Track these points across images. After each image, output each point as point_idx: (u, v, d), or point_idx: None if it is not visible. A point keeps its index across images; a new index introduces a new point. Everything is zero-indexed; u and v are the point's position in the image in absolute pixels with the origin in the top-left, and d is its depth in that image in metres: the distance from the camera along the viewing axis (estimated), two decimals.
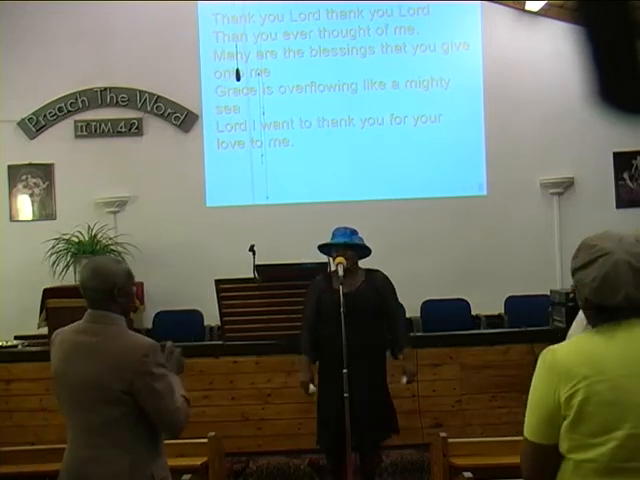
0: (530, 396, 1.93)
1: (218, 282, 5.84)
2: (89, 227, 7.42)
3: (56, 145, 7.88)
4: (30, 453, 4.22)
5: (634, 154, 7.87)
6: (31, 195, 7.90)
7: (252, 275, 5.77)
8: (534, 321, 6.10)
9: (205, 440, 4.12)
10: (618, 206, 7.86)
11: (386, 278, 4.60)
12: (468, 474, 3.69)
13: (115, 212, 7.84)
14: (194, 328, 7.03)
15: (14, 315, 7.30)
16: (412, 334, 6.28)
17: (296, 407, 5.41)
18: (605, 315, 1.89)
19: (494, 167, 7.87)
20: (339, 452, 4.34)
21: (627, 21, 1.47)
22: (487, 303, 7.36)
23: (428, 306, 7.41)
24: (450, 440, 4.04)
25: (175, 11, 7.82)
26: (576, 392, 1.82)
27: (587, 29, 1.47)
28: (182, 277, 7.53)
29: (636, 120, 1.51)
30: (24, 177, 7.88)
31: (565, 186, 7.89)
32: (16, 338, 6.69)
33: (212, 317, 6.79)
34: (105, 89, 7.88)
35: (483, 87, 7.92)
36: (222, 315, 5.90)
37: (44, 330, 6.64)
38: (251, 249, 5.79)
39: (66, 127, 7.91)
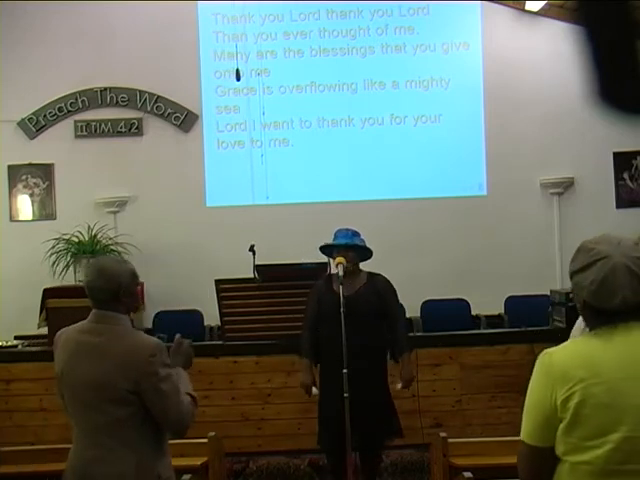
0: (527, 399, 1.93)
1: (218, 282, 5.84)
2: (89, 227, 7.42)
3: (56, 145, 7.88)
4: (30, 453, 4.22)
5: (634, 154, 7.87)
6: (31, 195, 7.90)
7: (252, 275, 5.77)
8: (534, 321, 6.10)
9: (205, 440, 4.12)
10: (618, 206, 7.86)
11: (387, 281, 4.60)
12: (468, 474, 3.69)
13: (115, 212, 7.84)
14: (194, 328, 7.02)
15: (14, 315, 7.30)
16: (412, 334, 6.28)
17: (296, 407, 5.41)
18: (603, 318, 1.89)
19: (494, 167, 7.87)
20: (339, 452, 4.34)
21: (627, 21, 1.47)
22: (487, 303, 7.36)
23: (428, 306, 7.41)
24: (450, 440, 4.04)
25: (175, 11, 7.82)
26: (572, 395, 1.83)
27: (587, 29, 1.47)
28: (182, 277, 7.53)
29: (636, 120, 1.51)
30: (24, 177, 7.88)
31: (565, 186, 7.89)
32: (16, 338, 6.69)
33: (212, 317, 6.79)
34: (105, 89, 7.88)
35: (483, 87, 7.92)
36: (222, 315, 5.90)
37: (44, 330, 6.63)
38: (251, 249, 5.79)
39: (66, 127, 7.91)
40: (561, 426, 1.85)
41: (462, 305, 7.36)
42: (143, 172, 7.86)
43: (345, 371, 4.13)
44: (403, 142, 7.92)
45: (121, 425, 2.59)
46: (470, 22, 7.95)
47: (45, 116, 7.87)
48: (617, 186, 7.89)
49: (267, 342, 5.64)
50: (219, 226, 7.77)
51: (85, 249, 7.28)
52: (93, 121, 7.90)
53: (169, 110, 7.90)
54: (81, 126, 7.90)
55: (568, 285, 2.00)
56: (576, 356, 1.89)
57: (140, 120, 7.91)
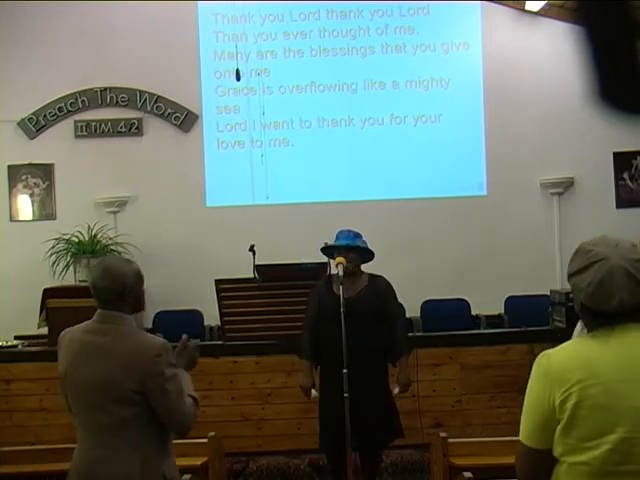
0: (525, 400, 1.94)
1: (218, 282, 5.84)
2: (89, 227, 7.42)
3: (56, 145, 7.88)
4: (30, 453, 4.22)
5: (634, 154, 7.87)
6: (31, 195, 7.90)
7: (252, 275, 5.77)
8: (534, 321, 6.10)
9: (205, 440, 4.12)
10: (618, 206, 7.86)
11: (388, 284, 4.59)
12: (468, 474, 3.69)
13: (115, 212, 7.85)
14: (194, 328, 7.02)
15: (14, 315, 7.30)
16: (412, 334, 6.29)
17: (296, 407, 5.41)
18: (600, 320, 1.90)
19: (494, 167, 7.87)
20: (339, 452, 4.34)
21: (627, 21, 1.47)
22: (487, 303, 7.36)
23: (428, 306, 7.41)
24: (450, 440, 4.04)
25: (175, 11, 7.82)
26: (569, 396, 1.83)
27: (587, 29, 1.47)
28: (182, 277, 7.54)
29: (636, 120, 1.51)
30: (24, 177, 7.89)
31: (565, 186, 7.89)
32: (16, 338, 6.69)
33: (212, 317, 6.79)
34: (105, 89, 7.88)
35: (483, 87, 7.92)
36: (222, 315, 5.90)
37: (44, 330, 6.63)
38: (251, 249, 5.79)
39: (66, 127, 7.91)
40: (559, 427, 1.86)
41: (462, 305, 7.36)
42: (143, 172, 7.86)
43: (345, 371, 4.13)
44: (403, 142, 7.92)
45: (126, 425, 2.59)
46: (470, 22, 7.95)
47: (45, 116, 7.87)
48: (617, 186, 7.89)
49: (267, 342, 5.63)
50: (219, 226, 7.77)
51: (85, 249, 7.27)
52: (93, 121, 7.90)
53: (169, 110, 7.90)
54: (81, 126, 7.90)
55: (568, 285, 2.01)
56: (573, 358, 1.89)
57: (140, 120, 7.91)
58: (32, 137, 7.89)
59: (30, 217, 7.91)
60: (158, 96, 7.89)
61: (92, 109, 7.90)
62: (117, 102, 7.89)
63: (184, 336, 2.85)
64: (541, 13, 7.78)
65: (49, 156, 7.88)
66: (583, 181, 7.89)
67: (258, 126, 7.92)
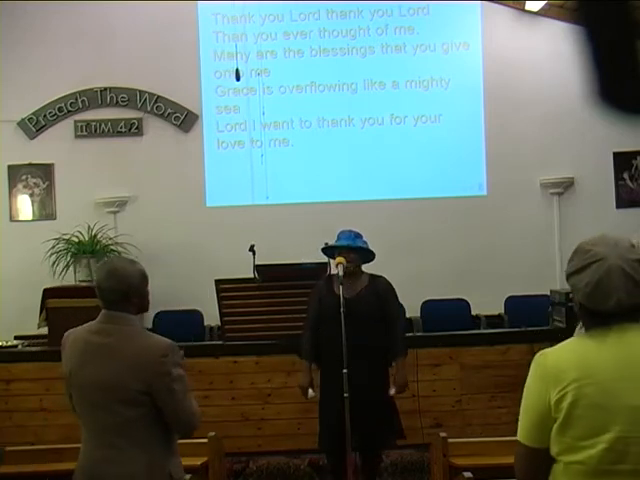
0: (523, 399, 1.95)
1: (218, 282, 5.84)
2: (89, 227, 7.42)
3: (56, 145, 7.88)
4: (30, 453, 4.22)
5: (634, 154, 7.86)
6: (31, 195, 7.90)
7: (252, 275, 5.77)
8: (534, 321, 6.10)
9: (205, 440, 4.12)
10: (618, 206, 7.86)
11: (388, 284, 4.59)
12: (468, 474, 3.69)
13: (115, 212, 7.85)
14: (194, 328, 7.03)
15: (14, 315, 7.29)
16: (412, 334, 6.29)
17: (296, 407, 5.41)
18: (598, 320, 1.90)
19: (494, 167, 7.87)
20: (339, 452, 4.34)
21: (627, 21, 1.47)
22: (487, 303, 7.36)
23: (428, 306, 7.41)
24: (450, 440, 4.04)
25: (175, 11, 7.82)
26: (565, 395, 1.84)
27: (587, 29, 1.47)
28: (182, 277, 7.54)
29: (636, 120, 1.51)
30: (24, 177, 7.89)
31: (565, 186, 7.89)
32: (16, 338, 6.69)
33: (212, 317, 6.79)
34: (105, 89, 7.88)
35: (483, 87, 7.92)
36: (222, 315, 5.90)
37: (44, 330, 6.62)
38: (251, 249, 5.79)
39: (66, 127, 7.91)
40: (555, 426, 1.86)
41: (462, 305, 7.36)
42: (143, 172, 7.86)
43: (345, 371, 4.13)
44: (403, 142, 7.92)
45: (132, 425, 2.59)
46: (470, 22, 7.95)
47: (45, 116, 7.87)
48: (617, 186, 7.89)
49: (267, 342, 5.63)
50: (219, 226, 7.77)
51: (85, 249, 7.27)
52: (93, 121, 7.90)
53: (169, 110, 7.90)
54: (81, 126, 7.90)
55: (568, 285, 2.01)
56: (570, 357, 1.90)
57: (140, 120, 7.91)
58: (32, 137, 7.89)
59: (30, 217, 7.91)
60: (158, 96, 7.89)
61: (92, 109, 7.90)
62: (117, 102, 7.89)
63: None
64: (541, 13, 7.78)
65: (49, 156, 7.88)
66: (583, 181, 7.89)
67: (258, 126, 7.92)
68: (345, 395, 4.12)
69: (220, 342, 6.01)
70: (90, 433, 2.67)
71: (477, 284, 7.57)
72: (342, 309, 4.19)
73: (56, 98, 7.86)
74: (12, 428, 5.50)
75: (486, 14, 7.91)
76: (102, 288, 2.68)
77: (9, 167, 7.86)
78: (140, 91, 7.89)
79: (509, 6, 7.88)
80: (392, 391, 4.49)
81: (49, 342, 6.41)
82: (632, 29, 1.46)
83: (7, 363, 5.73)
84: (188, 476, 3.72)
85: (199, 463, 4.06)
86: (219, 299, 5.84)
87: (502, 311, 7.40)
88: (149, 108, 7.90)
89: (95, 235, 7.41)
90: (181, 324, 6.96)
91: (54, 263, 7.26)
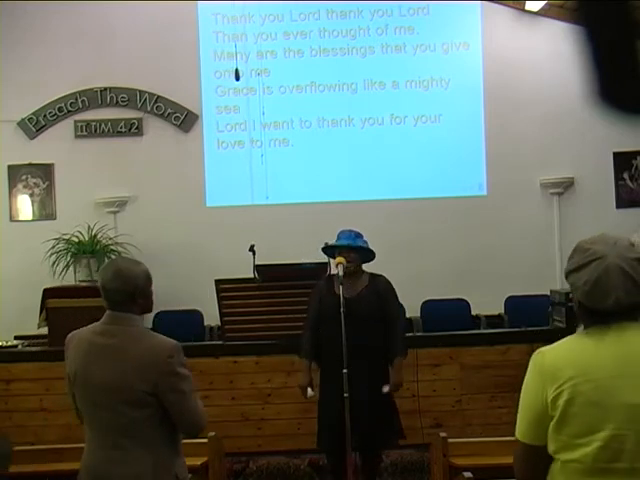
0: (521, 397, 1.96)
1: (218, 282, 5.84)
2: (89, 227, 7.42)
3: (56, 145, 7.88)
4: (30, 453, 4.22)
5: (634, 154, 7.87)
6: (31, 195, 7.90)
7: (252, 275, 5.77)
8: (534, 321, 6.10)
9: (205, 440, 4.12)
10: (618, 206, 7.86)
11: (388, 283, 4.59)
12: (468, 474, 3.69)
13: (115, 212, 7.85)
14: (194, 328, 7.03)
15: (14, 315, 7.30)
16: (412, 334, 6.29)
17: (296, 407, 5.41)
18: (596, 318, 1.91)
19: (494, 167, 7.87)
20: (339, 452, 4.34)
21: (627, 21, 1.47)
22: (487, 303, 7.36)
23: (428, 306, 7.41)
24: (450, 440, 4.04)
25: (175, 11, 7.82)
26: (561, 393, 1.85)
27: (587, 29, 1.47)
28: (182, 277, 7.53)
29: (636, 120, 1.51)
30: (24, 177, 7.89)
31: (565, 186, 7.89)
32: (16, 338, 6.69)
33: (212, 317, 6.79)
34: (105, 89, 7.88)
35: (483, 87, 7.92)
36: (222, 315, 5.90)
37: (44, 330, 6.63)
38: (251, 249, 5.79)
39: (66, 127, 7.91)
40: (551, 424, 1.87)
41: (462, 305, 7.36)
42: (143, 172, 7.86)
43: (345, 371, 4.13)
44: (403, 142, 7.92)
45: (138, 426, 2.59)
46: (470, 22, 7.95)
47: (45, 116, 7.87)
48: (617, 186, 7.89)
49: (267, 342, 5.63)
50: (219, 226, 7.77)
51: (85, 249, 7.27)
52: (93, 121, 7.90)
53: (169, 110, 7.90)
54: (81, 126, 7.90)
55: (568, 285, 2.01)
56: (567, 355, 1.91)
57: (140, 120, 7.91)
58: (32, 137, 7.89)
59: (30, 217, 7.91)
60: (158, 96, 7.89)
61: (92, 109, 7.90)
62: (117, 102, 7.89)
63: None
64: (541, 13, 7.78)
65: (49, 156, 7.88)
66: (583, 181, 7.89)
67: (258, 126, 7.92)
68: (345, 395, 4.12)
69: (220, 342, 6.01)
70: (94, 433, 2.67)
71: (477, 284, 7.57)
72: (342, 309, 4.19)
73: (56, 98, 7.86)
74: (12, 428, 5.50)
75: (486, 14, 7.91)
76: (107, 289, 2.68)
77: (9, 167, 7.86)
78: (140, 91, 7.89)
79: (509, 6, 7.88)
80: (385, 389, 4.46)
81: (49, 342, 6.42)
82: (632, 29, 1.46)
83: (7, 363, 5.73)
84: (189, 476, 3.73)
85: (199, 463, 4.06)
86: (219, 299, 5.84)
87: (502, 311, 7.39)
88: (149, 108, 7.90)
89: (95, 235, 7.41)
90: (181, 324, 6.96)
91: (54, 263, 7.25)
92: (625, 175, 7.89)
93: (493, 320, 7.31)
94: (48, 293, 6.73)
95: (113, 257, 7.16)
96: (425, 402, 5.41)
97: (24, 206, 7.91)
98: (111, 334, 2.66)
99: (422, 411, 5.35)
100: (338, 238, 4.58)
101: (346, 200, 7.76)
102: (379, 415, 4.44)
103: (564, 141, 7.83)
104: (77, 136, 7.91)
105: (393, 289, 4.59)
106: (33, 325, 6.79)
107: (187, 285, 7.44)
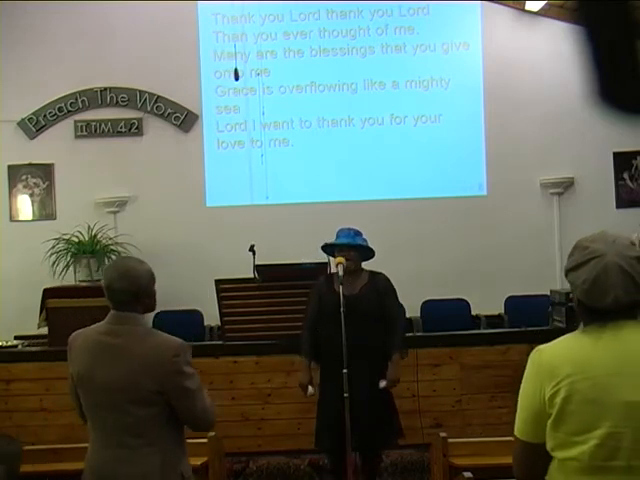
0: (519, 395, 1.97)
1: (218, 282, 5.84)
2: (89, 227, 7.42)
3: (56, 145, 7.88)
4: (30, 453, 4.21)
5: (634, 154, 7.87)
6: (31, 195, 7.90)
7: (252, 275, 5.77)
8: (534, 321, 6.10)
9: (205, 440, 4.12)
10: (618, 206, 7.86)
11: (388, 280, 4.59)
12: (468, 474, 3.69)
13: (115, 212, 7.85)
14: (194, 328, 7.02)
15: (14, 315, 7.30)
16: (412, 334, 6.29)
17: (296, 407, 5.41)
18: (595, 316, 1.91)
19: (494, 167, 7.87)
20: (339, 452, 4.34)
21: (627, 21, 1.47)
22: (487, 303, 7.36)
23: (428, 306, 7.41)
24: (450, 440, 4.04)
25: (175, 11, 7.82)
26: (559, 390, 1.85)
27: (587, 29, 1.47)
28: (182, 277, 7.53)
29: (636, 120, 1.51)
30: (24, 177, 7.89)
31: (565, 186, 7.89)
32: (16, 338, 6.69)
33: (212, 317, 6.79)
34: (105, 89, 7.88)
35: (483, 87, 7.92)
36: (222, 315, 5.90)
37: (44, 330, 6.63)
38: (251, 249, 5.79)
39: (66, 127, 7.91)
40: (549, 421, 1.88)
41: (462, 305, 7.35)
42: (143, 172, 7.86)
43: (345, 371, 4.13)
44: (403, 142, 7.92)
45: (144, 425, 2.59)
46: (470, 22, 7.95)
47: (45, 116, 7.87)
48: (617, 186, 7.89)
49: (267, 342, 5.63)
50: (219, 226, 7.77)
51: (85, 249, 7.27)
52: (93, 121, 7.90)
53: (169, 110, 7.90)
54: (81, 126, 7.90)
55: (568, 285, 2.02)
56: (564, 353, 1.91)
57: (140, 120, 7.91)
58: (32, 137, 7.89)
59: (30, 217, 7.91)
60: (158, 96, 7.89)
61: (92, 109, 7.90)
62: (117, 102, 7.89)
63: None
64: (541, 13, 7.78)
65: (49, 156, 7.88)
66: (583, 181, 7.89)
67: (258, 126, 7.92)
68: (345, 395, 4.12)
69: (220, 342, 6.01)
70: (99, 433, 2.66)
71: (477, 284, 7.57)
72: (342, 309, 4.19)
73: (56, 98, 7.86)
74: (12, 428, 5.50)
75: (486, 14, 7.91)
76: (113, 289, 2.67)
77: (9, 167, 7.86)
78: (140, 91, 7.89)
79: (509, 6, 7.88)
80: (382, 383, 4.45)
81: (49, 342, 6.41)
82: (632, 29, 1.46)
83: (7, 363, 5.73)
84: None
85: (199, 463, 4.06)
86: (219, 299, 5.84)
87: (502, 311, 7.39)
88: (149, 108, 7.90)
89: (95, 235, 7.41)
90: (181, 324, 6.94)
91: (54, 263, 7.25)
92: (625, 175, 7.89)
93: (493, 320, 7.31)
94: (48, 293, 6.72)
95: (113, 257, 7.17)
96: (425, 402, 5.41)
97: (24, 206, 7.91)
98: (116, 334, 2.65)
99: (422, 411, 5.35)
100: (337, 236, 4.58)
101: (346, 200, 7.76)
102: (379, 415, 4.44)
103: (564, 141, 7.83)
104: (77, 136, 7.91)
105: (393, 287, 4.58)
106: (33, 325, 6.79)
107: (187, 285, 7.43)
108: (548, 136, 7.83)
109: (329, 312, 4.36)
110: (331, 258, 4.75)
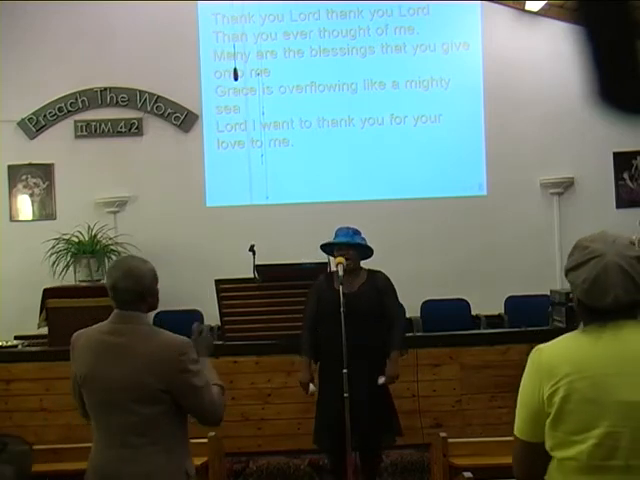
0: (519, 394, 1.98)
1: (218, 282, 5.84)
2: (89, 227, 7.42)
3: (56, 145, 7.88)
4: None
5: (634, 154, 7.87)
6: (31, 195, 7.91)
7: (252, 275, 5.77)
8: (534, 321, 6.10)
9: (205, 440, 4.12)
10: (618, 206, 7.86)
11: (387, 279, 4.59)
12: (468, 474, 3.69)
13: (115, 212, 7.85)
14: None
15: (14, 315, 7.30)
16: (412, 334, 6.29)
17: (296, 407, 5.41)
18: (595, 316, 1.91)
19: (494, 167, 7.87)
20: (339, 452, 4.34)
21: (627, 21, 1.47)
22: (487, 303, 7.36)
23: (428, 306, 7.41)
24: (450, 440, 4.04)
25: (175, 11, 7.82)
26: (557, 390, 1.86)
27: (587, 29, 1.46)
28: (182, 277, 7.52)
29: (636, 120, 1.51)
30: (24, 177, 7.89)
31: (565, 186, 7.89)
32: (16, 338, 6.68)
33: (212, 317, 6.77)
34: (105, 89, 7.88)
35: (483, 87, 7.92)
36: (222, 315, 5.90)
37: (44, 330, 6.63)
38: (251, 249, 5.79)
39: (66, 127, 7.91)
40: (548, 421, 1.88)
41: (462, 305, 7.36)
42: (143, 172, 7.86)
43: (345, 371, 4.13)
44: (403, 142, 7.92)
45: (149, 424, 2.59)
46: (470, 22, 7.95)
47: (45, 116, 7.87)
48: (617, 186, 7.89)
49: (267, 342, 5.63)
50: (219, 226, 7.77)
51: (85, 249, 7.27)
52: (93, 121, 7.90)
53: (169, 110, 7.90)
54: (81, 126, 7.90)
55: (568, 285, 2.02)
56: (563, 352, 1.92)
57: (140, 120, 7.91)
58: (32, 137, 7.89)
59: (30, 217, 7.91)
60: (158, 96, 7.89)
61: (92, 109, 7.90)
62: (117, 102, 7.89)
63: (195, 324, 2.90)
64: (541, 13, 7.78)
65: (49, 156, 7.88)
66: (583, 181, 7.89)
67: (258, 126, 7.92)
68: (345, 395, 4.12)
69: (220, 342, 6.00)
70: (102, 433, 2.66)
71: (477, 284, 7.57)
72: (342, 309, 4.19)
73: (56, 98, 7.86)
74: (12, 428, 5.49)
75: (486, 14, 7.91)
76: (118, 288, 2.67)
77: (9, 167, 7.86)
78: (140, 91, 7.89)
79: (509, 6, 7.88)
80: (381, 380, 4.44)
81: (49, 342, 6.42)
82: (632, 29, 1.46)
83: (7, 363, 5.72)
84: None
85: (199, 463, 4.05)
86: (219, 299, 5.84)
87: (502, 311, 7.39)
88: (149, 108, 7.90)
89: (95, 235, 7.41)
90: (181, 324, 6.93)
91: (54, 263, 7.25)
92: (625, 175, 7.89)
93: (493, 320, 7.31)
94: (48, 293, 6.73)
95: (113, 257, 7.17)
96: (425, 402, 5.41)
97: (24, 206, 7.91)
98: (120, 333, 2.65)
99: (422, 411, 5.35)
100: (336, 235, 4.58)
101: (346, 200, 7.76)
102: (378, 415, 4.44)
103: (564, 141, 7.83)
104: (77, 136, 7.91)
105: (392, 285, 4.58)
106: (33, 325, 6.79)
107: (187, 285, 7.43)
108: (548, 136, 7.83)
109: (329, 311, 4.36)
110: (331, 258, 4.75)
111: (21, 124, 7.87)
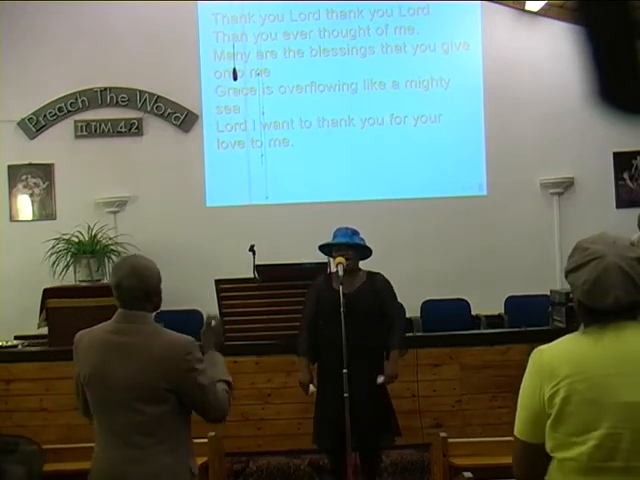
0: (519, 395, 1.97)
1: (218, 282, 5.84)
2: (89, 227, 7.42)
3: (56, 145, 7.88)
4: None
5: (634, 154, 7.87)
6: (31, 195, 7.91)
7: (252, 275, 5.77)
8: (534, 321, 6.10)
9: (205, 440, 4.12)
10: (618, 206, 7.86)
11: (386, 280, 4.59)
12: (468, 474, 3.69)
13: (115, 212, 7.85)
14: (194, 328, 6.99)
15: (14, 315, 7.30)
16: (412, 334, 6.28)
17: (296, 407, 5.41)
18: (596, 317, 1.91)
19: (494, 167, 7.88)
20: (339, 452, 4.34)
21: (627, 21, 1.47)
22: (487, 303, 7.36)
23: (428, 306, 7.41)
24: (450, 440, 4.04)
25: (175, 11, 7.82)
26: (558, 391, 1.85)
27: (587, 29, 1.46)
28: (182, 277, 7.50)
29: (636, 120, 1.51)
30: (24, 177, 7.89)
31: (565, 186, 7.89)
32: (16, 338, 6.69)
33: None
34: (105, 89, 7.88)
35: (483, 87, 7.92)
36: (222, 315, 5.89)
37: (44, 330, 6.63)
38: (251, 249, 5.79)
39: (66, 127, 7.91)
40: (548, 422, 1.88)
41: (462, 305, 7.35)
42: (143, 172, 7.86)
43: (345, 371, 4.13)
44: (403, 142, 7.92)
45: (154, 423, 2.58)
46: (470, 22, 7.95)
47: (45, 116, 7.87)
48: (617, 186, 7.89)
49: (267, 342, 5.63)
50: (219, 226, 7.77)
51: (85, 249, 7.27)
52: (93, 121, 7.90)
53: (169, 110, 7.90)
54: (81, 126, 7.90)
55: (568, 285, 2.02)
56: (564, 353, 1.92)
57: (140, 120, 7.92)
58: (32, 137, 7.89)
59: (30, 217, 7.91)
60: (158, 96, 7.89)
61: (92, 109, 7.91)
62: (117, 102, 7.89)
63: (206, 316, 2.91)
64: (541, 13, 7.78)
65: (49, 156, 7.88)
66: (583, 181, 7.89)
67: (258, 126, 7.93)
68: (345, 395, 4.12)
69: None
70: (106, 434, 2.64)
71: (477, 284, 7.57)
72: (342, 309, 4.19)
73: (56, 98, 7.86)
74: (12, 428, 5.49)
75: (486, 14, 7.91)
76: (123, 287, 2.65)
77: (9, 167, 7.86)
78: (140, 91, 7.89)
79: (509, 6, 7.88)
80: (380, 379, 4.44)
81: (49, 342, 6.42)
82: (632, 29, 1.46)
83: (7, 363, 5.72)
84: None
85: (199, 463, 4.04)
86: (219, 299, 5.84)
87: (502, 311, 7.39)
88: (149, 108, 7.90)
89: (95, 235, 7.41)
90: (181, 324, 6.94)
91: (54, 263, 7.25)
92: (625, 175, 7.89)
93: (493, 320, 7.31)
94: (48, 293, 6.73)
95: (113, 257, 7.17)
96: (425, 402, 5.41)
97: (24, 206, 7.91)
98: (124, 332, 2.64)
99: (422, 411, 5.35)
100: (335, 236, 4.58)
101: (346, 200, 7.76)
102: (377, 415, 4.44)
103: (564, 141, 7.83)
104: (77, 136, 7.91)
105: (391, 286, 4.58)
106: (33, 325, 6.79)
107: (187, 285, 7.42)
108: (548, 136, 7.83)
109: (328, 311, 4.36)
110: (329, 257, 4.75)
111: (21, 124, 7.87)
